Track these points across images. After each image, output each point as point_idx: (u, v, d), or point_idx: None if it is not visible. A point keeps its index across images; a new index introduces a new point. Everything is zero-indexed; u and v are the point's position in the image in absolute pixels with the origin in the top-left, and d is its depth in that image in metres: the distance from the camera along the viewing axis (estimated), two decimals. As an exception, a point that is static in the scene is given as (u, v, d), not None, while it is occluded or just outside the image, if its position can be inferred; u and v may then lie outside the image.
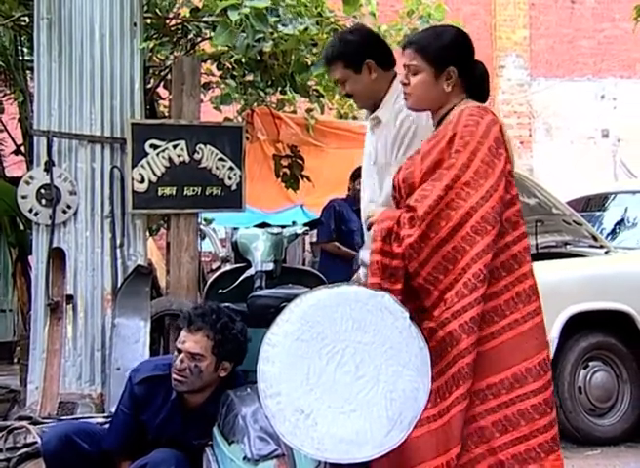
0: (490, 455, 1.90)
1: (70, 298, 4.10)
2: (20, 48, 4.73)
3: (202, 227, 4.77)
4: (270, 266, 2.53)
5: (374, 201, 2.46)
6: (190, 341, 2.32)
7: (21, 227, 4.82)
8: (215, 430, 2.22)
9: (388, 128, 2.47)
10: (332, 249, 4.87)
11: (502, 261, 1.97)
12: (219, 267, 6.10)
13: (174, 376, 2.34)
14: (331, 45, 2.64)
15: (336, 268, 4.29)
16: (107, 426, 2.72)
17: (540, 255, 4.41)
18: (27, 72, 4.76)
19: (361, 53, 2.52)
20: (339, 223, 4.85)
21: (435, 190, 1.92)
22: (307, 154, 5.51)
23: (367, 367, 1.84)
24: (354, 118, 5.78)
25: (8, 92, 5.23)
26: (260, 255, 2.54)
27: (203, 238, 5.73)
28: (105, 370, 3.99)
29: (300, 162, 5.32)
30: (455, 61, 2.08)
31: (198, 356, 2.32)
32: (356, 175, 4.79)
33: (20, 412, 3.88)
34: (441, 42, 2.10)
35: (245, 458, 2.01)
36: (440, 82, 2.08)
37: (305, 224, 2.93)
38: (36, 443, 3.37)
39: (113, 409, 3.69)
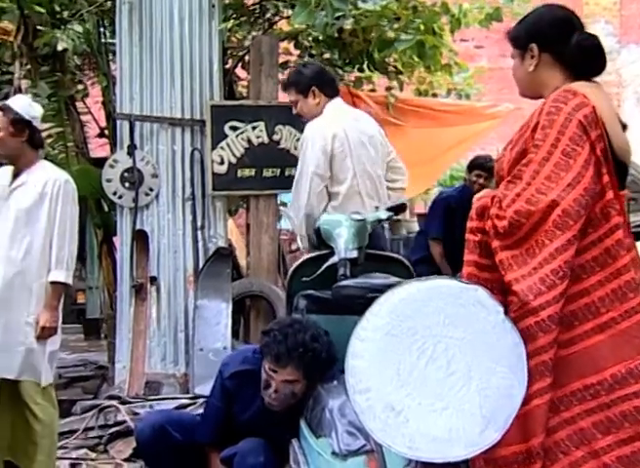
0: (592, 458, 1.82)
1: (154, 280, 4.19)
2: (103, 32, 4.80)
3: (281, 208, 4.74)
4: (354, 253, 2.46)
5: None
6: (281, 375, 2.32)
7: (106, 209, 4.93)
8: (302, 423, 2.20)
9: None
10: (435, 251, 4.51)
11: (595, 256, 1.86)
12: (297, 248, 6.09)
13: (267, 400, 2.35)
14: (289, 74, 3.60)
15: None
16: (197, 416, 2.77)
17: (633, 235, 4.19)
18: (110, 56, 4.83)
19: (309, 81, 3.34)
20: (450, 220, 4.40)
21: (516, 188, 1.85)
22: (387, 133, 5.39)
23: (459, 363, 1.77)
24: (434, 95, 5.60)
25: (92, 75, 5.33)
26: (344, 242, 2.48)
27: (280, 217, 5.72)
28: (189, 351, 4.07)
29: (380, 141, 5.20)
30: (534, 38, 1.96)
31: (291, 384, 2.33)
32: (473, 166, 4.57)
33: (109, 391, 4.01)
34: (521, 23, 2.03)
35: (333, 453, 1.98)
36: (525, 63, 1.99)
37: (389, 209, 2.84)
38: (125, 421, 3.48)
39: (197, 390, 3.78)
